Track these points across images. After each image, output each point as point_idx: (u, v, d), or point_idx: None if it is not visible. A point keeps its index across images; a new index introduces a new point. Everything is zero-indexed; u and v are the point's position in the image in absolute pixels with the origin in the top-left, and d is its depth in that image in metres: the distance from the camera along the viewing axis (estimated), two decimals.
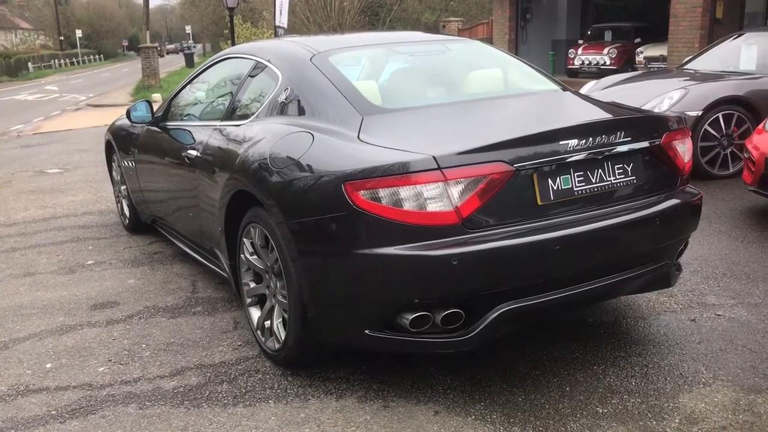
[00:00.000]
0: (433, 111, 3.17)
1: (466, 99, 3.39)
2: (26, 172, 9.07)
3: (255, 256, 3.28)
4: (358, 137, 2.86)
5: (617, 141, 2.83)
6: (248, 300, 3.42)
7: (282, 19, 17.03)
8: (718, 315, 3.60)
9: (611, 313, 3.66)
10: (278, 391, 3.02)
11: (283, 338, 3.09)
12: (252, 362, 3.29)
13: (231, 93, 3.96)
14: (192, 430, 2.75)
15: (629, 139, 2.86)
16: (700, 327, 3.46)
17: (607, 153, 2.81)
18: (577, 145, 2.72)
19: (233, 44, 17.65)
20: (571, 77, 17.95)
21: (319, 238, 2.77)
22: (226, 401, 2.95)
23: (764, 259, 4.42)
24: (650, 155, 2.98)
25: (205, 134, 3.86)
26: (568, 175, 2.74)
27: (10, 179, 8.59)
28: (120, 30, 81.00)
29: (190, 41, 71.46)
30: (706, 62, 8.13)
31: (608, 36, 19.22)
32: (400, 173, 2.53)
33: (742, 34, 8.42)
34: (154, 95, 18.86)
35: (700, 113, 6.66)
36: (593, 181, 2.80)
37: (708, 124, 6.71)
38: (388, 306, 2.67)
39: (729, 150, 6.82)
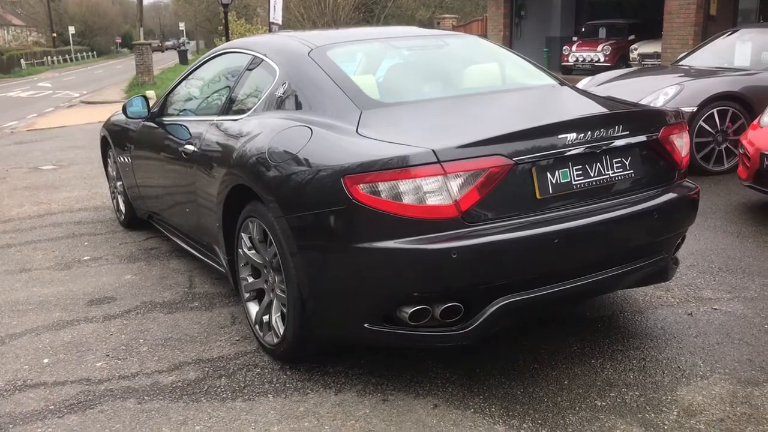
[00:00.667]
0: (432, 105, 3.17)
1: (465, 93, 3.39)
2: (20, 169, 9.03)
3: (253, 251, 3.28)
4: (357, 131, 2.86)
5: (615, 135, 2.84)
6: (246, 295, 3.42)
7: (276, 16, 17.00)
8: (715, 309, 3.61)
9: (608, 307, 3.67)
10: (277, 385, 3.02)
11: (281, 333, 3.09)
12: (250, 357, 3.29)
13: (228, 88, 3.95)
14: (191, 424, 2.74)
15: (627, 132, 2.87)
16: (696, 321, 3.48)
17: (605, 147, 2.82)
18: (576, 138, 2.72)
19: (227, 40, 17.60)
20: (565, 74, 17.95)
21: (319, 232, 2.77)
22: (224, 395, 2.95)
23: (759, 254, 4.44)
24: (648, 149, 2.99)
25: (202, 129, 3.86)
26: (567, 169, 2.75)
27: (4, 176, 8.56)
28: (113, 27, 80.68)
29: (184, 38, 71.30)
30: (701, 58, 8.15)
31: (602, 33, 19.27)
32: (399, 167, 2.53)
33: (737, 30, 8.45)
34: (148, 92, 18.76)
35: (695, 109, 6.68)
36: (592, 174, 2.81)
37: (703, 120, 6.73)
38: (387, 299, 2.68)
39: (724, 146, 6.85)
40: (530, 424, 2.64)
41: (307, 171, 2.81)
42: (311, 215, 2.77)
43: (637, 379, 2.94)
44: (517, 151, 2.63)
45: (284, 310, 3.05)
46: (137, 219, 5.48)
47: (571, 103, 3.42)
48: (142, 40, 25.87)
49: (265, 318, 3.24)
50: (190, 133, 4.00)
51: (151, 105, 4.74)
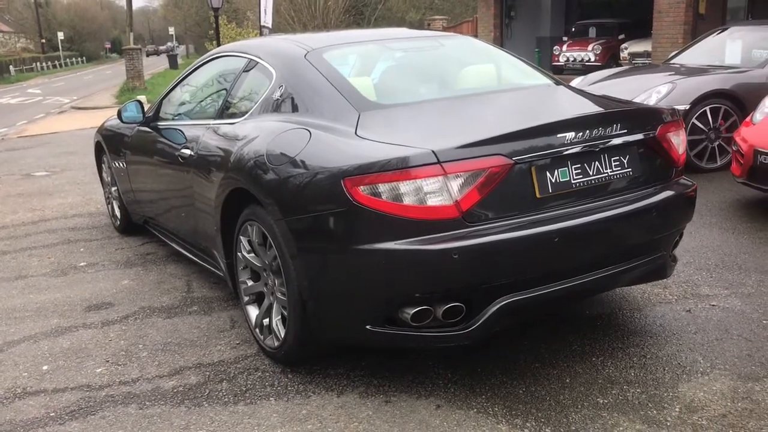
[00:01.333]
0: (430, 106, 3.17)
1: (462, 94, 3.40)
2: (13, 176, 8.99)
3: (252, 254, 3.27)
4: (356, 133, 2.86)
5: (613, 133, 2.85)
6: (246, 298, 3.42)
7: (267, 19, 16.99)
8: (713, 305, 3.63)
9: (607, 305, 3.69)
10: (278, 388, 3.01)
11: (282, 335, 3.08)
12: (251, 360, 3.28)
13: (225, 91, 3.94)
14: (194, 429, 2.74)
15: (625, 131, 2.88)
16: (695, 317, 3.49)
17: (603, 145, 2.83)
18: (575, 137, 2.73)
19: (218, 44, 17.57)
20: (556, 74, 17.95)
21: (319, 235, 2.76)
22: (226, 399, 2.94)
23: (755, 250, 4.47)
24: (646, 147, 3.00)
25: (198, 133, 3.85)
26: (566, 168, 2.76)
27: None
28: (102, 32, 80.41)
29: (174, 42, 71.11)
30: (692, 57, 8.19)
31: (592, 32, 19.31)
32: (399, 168, 2.53)
33: (727, 28, 8.50)
34: (139, 97, 18.72)
35: (687, 107, 6.71)
36: (590, 173, 2.82)
37: (695, 118, 6.77)
38: (389, 301, 2.68)
39: (716, 143, 6.89)
40: (533, 423, 2.64)
41: (306, 173, 2.81)
42: (311, 217, 2.77)
43: (638, 376, 2.95)
44: (517, 151, 2.63)
45: (285, 313, 3.04)
46: (133, 224, 5.46)
47: (569, 103, 3.43)
48: (132, 45, 25.75)
49: (266, 321, 3.23)
50: (186, 137, 4.00)
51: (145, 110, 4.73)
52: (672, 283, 3.93)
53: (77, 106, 21.51)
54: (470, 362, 3.11)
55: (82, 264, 4.96)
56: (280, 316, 3.12)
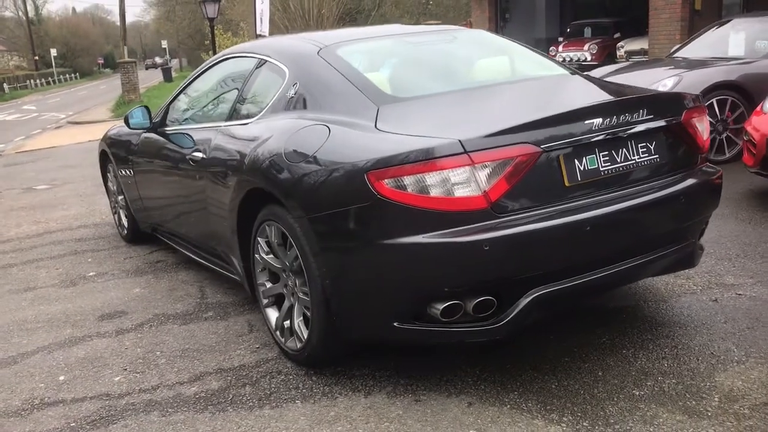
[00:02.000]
0: (449, 98, 3.11)
1: (480, 85, 3.33)
2: (14, 190, 8.91)
3: (271, 255, 3.20)
4: (376, 127, 2.80)
5: (640, 119, 2.79)
6: (265, 301, 3.34)
7: (263, 27, 16.96)
8: (739, 294, 3.57)
9: (631, 297, 3.62)
10: (304, 390, 2.94)
11: (305, 337, 3.01)
12: (273, 364, 3.21)
13: (236, 91, 3.87)
14: None
15: (651, 116, 2.82)
16: (723, 307, 3.43)
17: (630, 131, 2.76)
18: (602, 123, 2.67)
19: (215, 54, 17.51)
20: None
21: (343, 231, 2.69)
22: (251, 404, 2.87)
23: None
24: (671, 133, 2.94)
25: (210, 136, 3.78)
26: (594, 155, 2.69)
27: None
28: (95, 48, 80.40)
29: (167, 56, 71.14)
30: (695, 50, 8.15)
31: (588, 32, 19.30)
32: (425, 159, 2.47)
33: (729, 20, 8.46)
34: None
35: None
36: (618, 160, 2.76)
37: None
38: (417, 297, 2.61)
39: (725, 135, 6.84)
40: (570, 417, 2.57)
41: (327, 169, 2.74)
42: (334, 214, 2.70)
43: (672, 367, 2.88)
44: (544, 139, 2.57)
45: (307, 314, 2.97)
46: (140, 233, 5.38)
47: (590, 90, 3.37)
48: (126, 59, 25.70)
49: (286, 323, 3.16)
50: (196, 141, 3.93)
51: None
52: (694, 273, 3.86)
53: (74, 121, 21.45)
54: (498, 359, 3.04)
55: (91, 274, 4.88)
56: (302, 317, 3.05)
